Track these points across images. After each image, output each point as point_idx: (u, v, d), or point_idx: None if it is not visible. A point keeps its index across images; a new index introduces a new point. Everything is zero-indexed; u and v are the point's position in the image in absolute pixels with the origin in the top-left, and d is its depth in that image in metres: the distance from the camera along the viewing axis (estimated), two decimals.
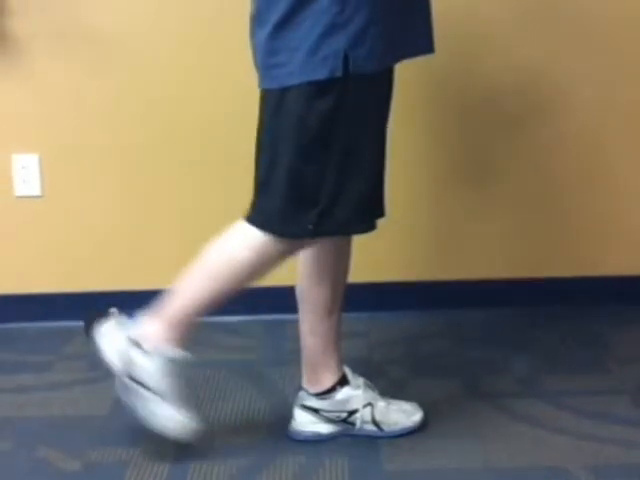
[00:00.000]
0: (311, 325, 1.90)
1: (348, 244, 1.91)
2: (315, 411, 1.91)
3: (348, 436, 1.91)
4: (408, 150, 2.48)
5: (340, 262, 1.90)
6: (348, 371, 1.93)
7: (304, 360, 1.93)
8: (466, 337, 2.42)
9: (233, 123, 2.41)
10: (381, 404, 1.92)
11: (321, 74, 1.63)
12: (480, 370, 2.21)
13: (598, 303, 2.53)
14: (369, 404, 1.90)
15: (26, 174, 2.49)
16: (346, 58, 1.63)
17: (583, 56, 2.46)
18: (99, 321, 1.88)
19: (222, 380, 2.19)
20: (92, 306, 2.46)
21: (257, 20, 1.70)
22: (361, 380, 1.93)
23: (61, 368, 2.28)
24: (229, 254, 1.79)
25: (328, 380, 1.91)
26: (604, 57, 2.47)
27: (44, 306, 2.52)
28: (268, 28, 1.66)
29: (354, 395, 1.90)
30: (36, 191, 2.50)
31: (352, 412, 1.90)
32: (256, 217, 1.76)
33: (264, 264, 1.79)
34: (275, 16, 1.64)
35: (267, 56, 1.68)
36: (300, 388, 1.94)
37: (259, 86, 1.74)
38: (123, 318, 1.88)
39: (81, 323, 2.44)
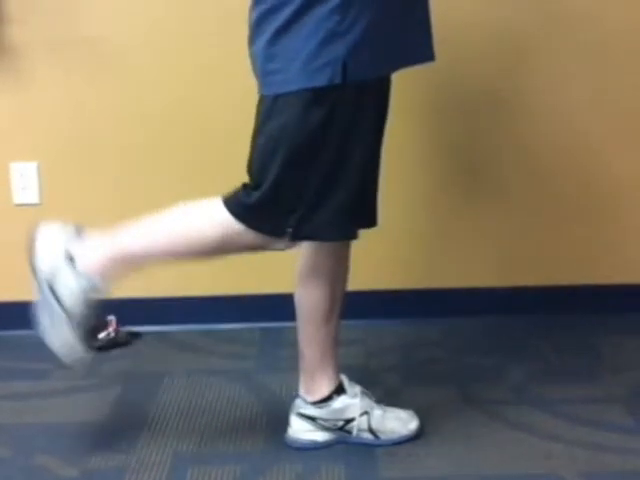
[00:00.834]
0: (309, 333, 1.91)
1: (346, 250, 1.92)
2: (312, 419, 1.92)
3: (345, 444, 1.92)
4: (406, 158, 2.49)
5: (337, 268, 1.90)
6: (345, 379, 1.94)
7: (301, 368, 1.93)
8: (462, 345, 2.43)
9: (232, 131, 2.41)
10: (377, 412, 1.93)
11: (319, 81, 1.65)
12: (475, 378, 2.22)
13: (592, 311, 2.54)
14: (366, 412, 1.91)
15: (24, 182, 2.49)
16: (344, 66, 1.64)
17: (583, 60, 2.48)
18: (47, 224, 1.84)
19: (220, 387, 2.20)
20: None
21: (256, 28, 1.71)
22: (358, 388, 1.94)
23: (59, 375, 2.28)
24: (199, 225, 1.78)
25: (325, 388, 1.91)
26: (604, 62, 2.47)
27: None
28: (267, 35, 1.67)
29: (351, 404, 1.91)
30: (34, 199, 2.50)
31: (349, 420, 1.91)
32: (235, 208, 1.74)
33: (229, 249, 1.79)
34: (275, 24, 1.66)
35: (265, 62, 1.69)
36: (297, 396, 1.95)
37: (259, 92, 1.75)
38: (71, 229, 1.84)
39: None
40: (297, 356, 1.95)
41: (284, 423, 1.95)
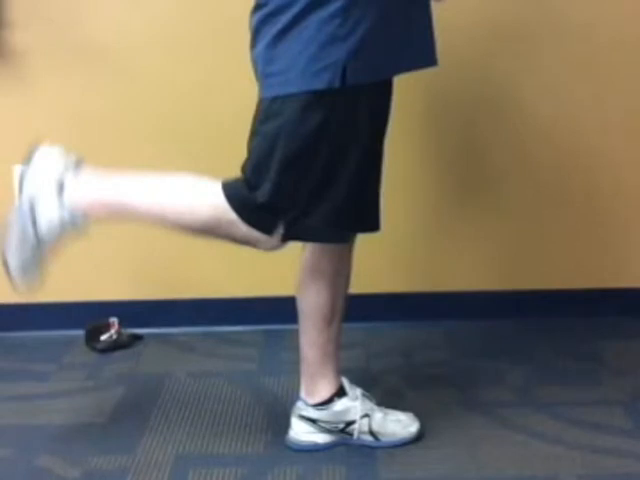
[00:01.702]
0: (310, 336, 1.91)
1: (348, 253, 1.92)
2: (313, 421, 1.92)
3: (345, 446, 1.93)
4: (407, 161, 2.49)
5: (339, 271, 1.90)
6: (346, 382, 1.94)
7: (303, 371, 1.94)
8: (462, 348, 2.43)
9: (235, 137, 2.42)
10: (378, 415, 1.93)
11: (319, 84, 1.65)
12: (476, 381, 2.23)
13: (592, 315, 2.54)
14: (366, 415, 1.92)
15: None
16: (344, 70, 1.65)
17: (584, 67, 2.48)
18: (50, 146, 1.83)
19: (221, 389, 2.21)
20: (93, 316, 2.51)
21: (257, 32, 1.71)
22: (359, 391, 1.94)
23: (61, 377, 2.29)
24: (193, 201, 1.77)
25: (326, 391, 1.92)
26: (604, 65, 2.48)
27: (44, 315, 2.53)
28: (268, 38, 1.68)
29: (352, 406, 1.92)
30: None
31: (349, 423, 1.92)
32: (233, 197, 1.74)
33: (216, 233, 1.78)
34: (276, 27, 1.66)
35: (266, 65, 1.70)
36: (298, 398, 1.96)
37: (259, 95, 1.75)
38: (72, 159, 1.83)
39: (81, 332, 2.49)
40: (298, 359, 1.95)
41: (285, 425, 1.96)
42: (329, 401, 1.92)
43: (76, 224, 1.78)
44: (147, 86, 2.46)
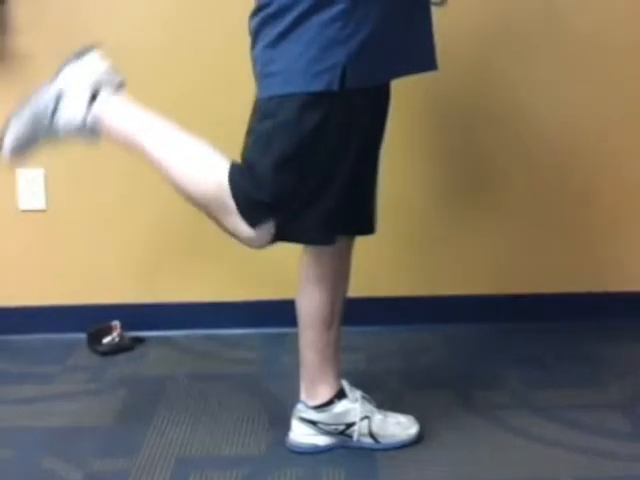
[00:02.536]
0: (310, 339, 1.92)
1: (348, 256, 1.93)
2: (313, 423, 1.93)
3: (345, 448, 1.94)
4: (406, 165, 2.50)
5: (338, 274, 1.91)
6: (346, 384, 1.95)
7: (303, 373, 1.95)
8: (462, 351, 2.44)
9: (234, 137, 2.43)
10: (378, 417, 1.94)
11: (317, 86, 1.66)
12: (475, 383, 2.24)
13: (591, 318, 2.55)
14: (366, 417, 1.93)
15: (31, 188, 2.52)
16: (344, 72, 1.65)
17: (582, 71, 2.50)
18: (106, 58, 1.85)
19: (222, 392, 2.22)
20: (95, 319, 2.53)
21: (258, 32, 1.72)
22: (358, 393, 1.95)
23: (64, 379, 2.30)
24: (200, 170, 1.78)
25: (326, 393, 1.93)
26: (602, 68, 2.50)
27: (48, 318, 2.54)
28: (268, 39, 1.69)
29: (352, 408, 1.92)
30: (41, 205, 2.52)
31: (349, 425, 1.93)
32: (233, 182, 1.74)
33: (209, 210, 1.78)
34: (277, 29, 1.67)
35: (265, 65, 1.71)
36: (299, 400, 1.96)
37: (257, 94, 1.76)
38: (117, 79, 1.85)
39: (84, 335, 2.50)
40: (299, 361, 1.96)
41: (286, 427, 1.97)
42: (329, 403, 1.92)
43: (92, 134, 1.82)
44: (148, 88, 2.44)
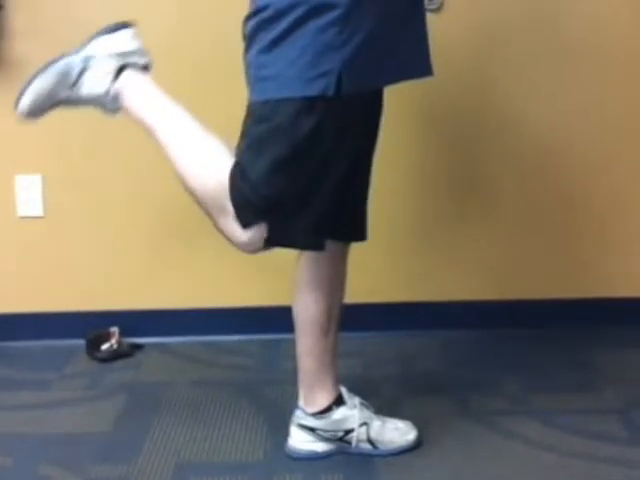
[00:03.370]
0: (307, 345, 1.92)
1: (343, 262, 1.93)
2: (312, 430, 1.94)
3: (344, 454, 1.94)
4: (402, 171, 2.51)
5: (335, 280, 1.91)
6: (344, 391, 1.96)
7: (301, 380, 1.95)
8: (459, 357, 2.45)
9: (233, 139, 2.44)
10: (376, 423, 1.95)
11: (314, 91, 1.67)
12: (472, 389, 2.24)
13: (588, 324, 2.56)
14: (365, 423, 1.93)
15: (29, 194, 2.52)
16: (339, 78, 1.66)
17: (578, 77, 2.51)
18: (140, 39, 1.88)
19: (221, 398, 2.22)
20: (94, 325, 2.53)
21: (252, 37, 1.72)
22: (357, 399, 1.96)
23: (62, 386, 2.31)
24: (206, 167, 1.78)
25: (324, 400, 1.93)
26: (598, 73, 2.51)
27: (46, 325, 2.54)
28: (263, 43, 1.69)
29: (350, 415, 1.93)
30: (39, 211, 2.53)
31: (348, 431, 1.93)
32: (233, 179, 1.75)
33: (205, 203, 1.78)
34: (272, 34, 1.68)
35: (259, 69, 1.71)
36: (297, 407, 1.97)
37: (249, 98, 1.76)
38: (147, 60, 1.88)
39: (83, 342, 2.51)
40: (297, 368, 1.96)
41: (284, 433, 1.97)
42: (327, 410, 1.93)
43: (112, 105, 1.85)
44: None
